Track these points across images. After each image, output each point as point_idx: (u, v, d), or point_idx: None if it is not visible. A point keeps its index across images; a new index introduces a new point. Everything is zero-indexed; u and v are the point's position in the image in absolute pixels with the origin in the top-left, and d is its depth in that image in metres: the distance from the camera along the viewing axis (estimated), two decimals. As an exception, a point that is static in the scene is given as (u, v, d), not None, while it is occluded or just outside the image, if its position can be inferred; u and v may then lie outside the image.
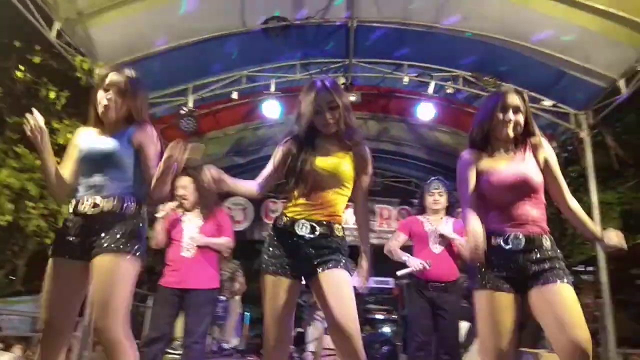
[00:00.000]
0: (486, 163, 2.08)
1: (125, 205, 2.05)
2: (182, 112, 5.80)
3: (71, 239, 2.04)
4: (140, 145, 2.11)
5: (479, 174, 2.07)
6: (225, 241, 3.61)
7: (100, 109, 2.10)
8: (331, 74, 6.02)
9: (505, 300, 1.93)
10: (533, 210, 2.00)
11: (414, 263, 3.51)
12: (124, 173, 2.09)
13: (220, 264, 3.74)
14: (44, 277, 2.04)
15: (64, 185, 2.13)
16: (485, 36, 5.14)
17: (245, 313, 7.40)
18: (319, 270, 1.99)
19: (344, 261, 2.03)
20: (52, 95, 5.42)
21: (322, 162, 2.08)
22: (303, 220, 2.06)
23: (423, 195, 3.77)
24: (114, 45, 4.97)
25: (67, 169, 2.15)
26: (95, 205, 2.03)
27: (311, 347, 5.85)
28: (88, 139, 2.14)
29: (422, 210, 3.79)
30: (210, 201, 3.63)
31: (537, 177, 2.02)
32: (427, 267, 3.50)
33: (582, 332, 1.77)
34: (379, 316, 8.44)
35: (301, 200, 2.09)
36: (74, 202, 2.08)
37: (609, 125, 6.31)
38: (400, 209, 8.82)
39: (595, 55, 4.90)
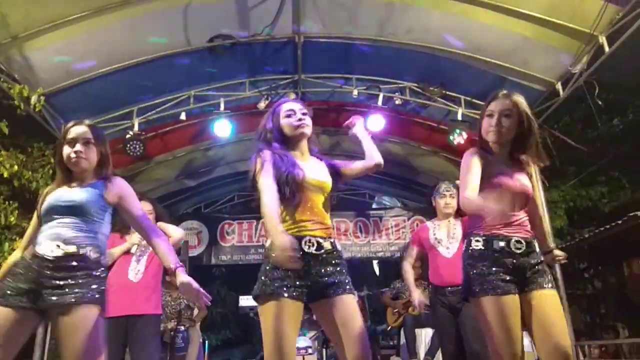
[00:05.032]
0: (490, 167, 2.09)
1: (87, 251, 1.99)
2: (128, 136, 5.61)
3: (22, 286, 1.92)
4: (120, 198, 2.14)
5: (483, 176, 2.05)
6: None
7: (70, 163, 2.09)
8: (281, 90, 6.00)
9: (514, 303, 1.96)
10: (525, 216, 2.12)
11: (414, 298, 3.62)
12: (88, 224, 2.05)
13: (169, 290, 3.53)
14: None
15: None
16: (429, 47, 5.28)
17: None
18: (330, 294, 1.90)
19: (349, 280, 1.97)
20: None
21: (315, 176, 2.05)
22: (309, 237, 1.95)
23: (434, 199, 3.72)
24: (52, 69, 4.75)
25: (33, 226, 2.16)
26: (57, 248, 1.96)
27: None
28: (56, 193, 2.11)
29: (433, 214, 3.80)
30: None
31: (531, 189, 2.14)
32: (418, 309, 3.67)
33: (564, 341, 1.88)
34: None
35: (299, 217, 1.98)
36: (30, 248, 2.05)
37: (549, 127, 6.60)
38: (356, 221, 8.82)
39: (533, 60, 5.13)
